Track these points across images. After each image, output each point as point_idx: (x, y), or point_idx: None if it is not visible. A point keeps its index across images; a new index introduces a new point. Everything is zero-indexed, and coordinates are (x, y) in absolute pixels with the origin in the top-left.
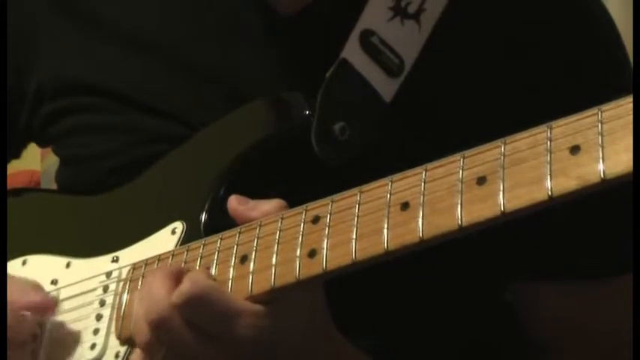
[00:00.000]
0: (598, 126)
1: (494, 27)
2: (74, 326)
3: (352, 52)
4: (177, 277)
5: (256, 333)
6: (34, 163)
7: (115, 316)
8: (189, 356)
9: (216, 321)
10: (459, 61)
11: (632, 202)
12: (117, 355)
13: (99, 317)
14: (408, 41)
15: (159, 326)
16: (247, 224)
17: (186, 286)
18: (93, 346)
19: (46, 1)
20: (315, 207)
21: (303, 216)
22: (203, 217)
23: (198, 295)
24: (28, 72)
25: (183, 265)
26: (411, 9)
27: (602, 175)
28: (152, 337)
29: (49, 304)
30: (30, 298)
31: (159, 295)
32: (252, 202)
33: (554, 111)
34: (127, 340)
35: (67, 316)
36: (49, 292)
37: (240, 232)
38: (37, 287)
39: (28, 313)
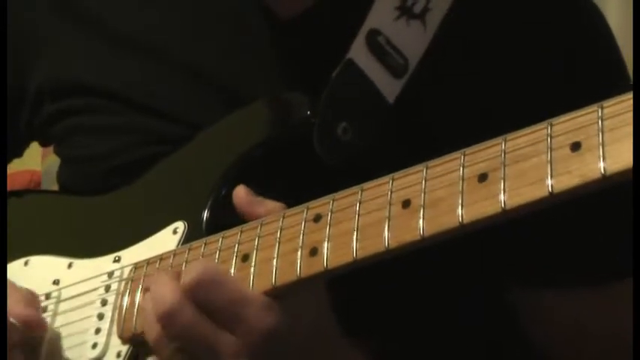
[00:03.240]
0: (598, 122)
1: (498, 27)
2: (76, 326)
3: (358, 53)
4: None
5: (269, 324)
6: (34, 162)
7: (116, 315)
8: (205, 347)
9: (228, 306)
10: (463, 61)
11: (633, 201)
12: (118, 355)
13: (100, 316)
14: (413, 41)
15: (170, 318)
16: (249, 223)
17: (196, 268)
18: (94, 346)
19: (46, 2)
20: (317, 205)
21: (305, 214)
22: (205, 216)
23: (209, 277)
24: (28, 73)
25: (184, 265)
26: (417, 9)
27: (603, 172)
28: (162, 332)
29: (35, 323)
30: (19, 311)
31: (165, 288)
32: (259, 198)
33: (557, 112)
34: (128, 340)
35: (68, 315)
36: (44, 302)
37: (241, 231)
38: (31, 301)
39: (15, 322)
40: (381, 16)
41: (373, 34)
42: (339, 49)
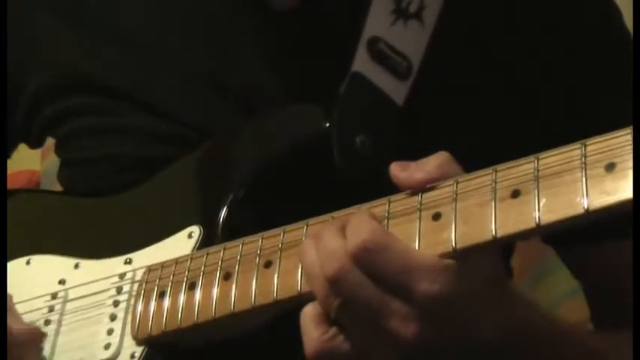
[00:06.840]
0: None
1: (497, 11)
2: (85, 326)
3: (363, 63)
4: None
5: (441, 289)
6: (34, 163)
7: (130, 317)
8: (372, 311)
9: (395, 275)
10: (466, 50)
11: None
12: (132, 356)
13: (113, 317)
14: (413, 41)
15: (336, 280)
16: (270, 230)
17: (363, 231)
18: (107, 346)
19: (46, 2)
20: (341, 215)
21: None
22: (221, 222)
23: (375, 243)
24: (26, 74)
25: (203, 268)
26: (412, 8)
27: None
28: (330, 291)
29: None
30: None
31: (333, 247)
32: (414, 165)
33: (561, 97)
34: (143, 341)
35: (77, 315)
36: (51, 302)
37: (262, 238)
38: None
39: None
40: (378, 22)
41: (373, 42)
42: (336, 45)
